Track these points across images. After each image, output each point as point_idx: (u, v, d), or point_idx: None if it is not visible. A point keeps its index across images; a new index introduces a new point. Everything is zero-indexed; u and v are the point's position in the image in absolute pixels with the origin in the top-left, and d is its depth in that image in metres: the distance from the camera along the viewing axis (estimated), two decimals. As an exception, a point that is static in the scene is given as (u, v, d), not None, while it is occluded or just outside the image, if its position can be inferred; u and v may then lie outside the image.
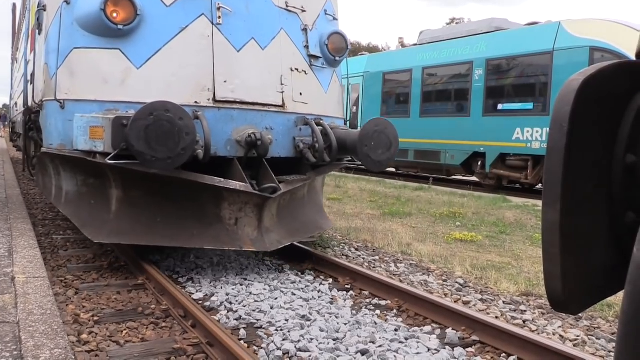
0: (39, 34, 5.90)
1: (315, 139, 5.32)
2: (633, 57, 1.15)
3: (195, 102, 4.90)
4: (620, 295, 1.11)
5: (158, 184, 4.90)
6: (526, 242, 7.81)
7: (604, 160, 1.00)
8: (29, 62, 7.20)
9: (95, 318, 4.01)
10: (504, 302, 4.89)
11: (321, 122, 5.45)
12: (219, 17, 5.09)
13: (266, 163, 5.17)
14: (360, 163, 5.65)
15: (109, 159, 4.38)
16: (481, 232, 8.39)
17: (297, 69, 5.66)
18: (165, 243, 5.00)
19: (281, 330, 3.94)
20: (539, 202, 11.45)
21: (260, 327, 4.00)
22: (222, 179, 4.82)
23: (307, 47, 5.82)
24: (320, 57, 5.97)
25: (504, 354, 3.72)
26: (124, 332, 3.81)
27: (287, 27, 5.62)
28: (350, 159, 5.93)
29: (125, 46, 4.83)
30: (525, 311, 4.66)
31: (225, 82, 5.04)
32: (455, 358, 3.61)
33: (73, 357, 2.88)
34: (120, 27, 4.77)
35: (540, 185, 14.08)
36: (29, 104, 6.80)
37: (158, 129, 4.18)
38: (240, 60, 5.18)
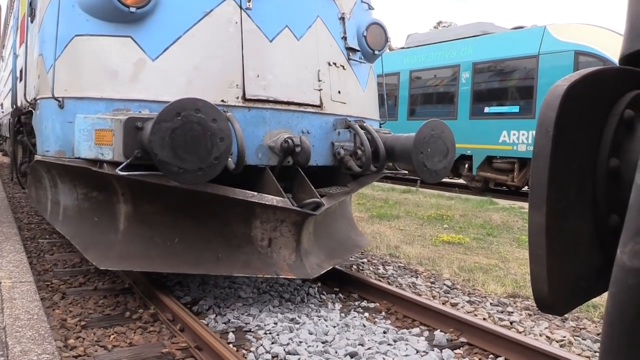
0: (32, 21, 5.09)
1: (360, 145, 4.64)
2: (616, 61, 1.17)
3: (222, 100, 4.12)
4: (605, 296, 1.14)
5: (174, 198, 4.16)
6: (513, 244, 7.87)
7: (588, 164, 1.02)
8: (18, 56, 6.44)
9: (82, 323, 3.97)
10: (491, 303, 4.93)
11: (365, 125, 4.75)
12: (249, 1, 4.36)
13: (302, 173, 4.46)
14: (405, 172, 5.17)
15: (120, 170, 3.61)
16: (468, 234, 8.45)
17: (334, 64, 4.90)
18: (186, 270, 4.22)
19: (270, 333, 3.94)
20: (525, 205, 11.56)
21: (249, 331, 3.99)
22: (256, 193, 4.09)
23: (344, 38, 5.10)
24: (358, 51, 5.26)
25: (491, 355, 3.76)
26: (112, 336, 3.79)
27: (323, 15, 4.88)
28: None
29: (138, 33, 4.09)
30: (512, 312, 4.70)
31: (257, 77, 4.28)
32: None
33: (60, 363, 2.86)
34: (132, 10, 4.03)
35: (526, 187, 14.22)
36: (19, 103, 6.04)
37: (187, 133, 3.43)
38: (273, 51, 4.43)
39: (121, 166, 3.62)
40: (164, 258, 4.18)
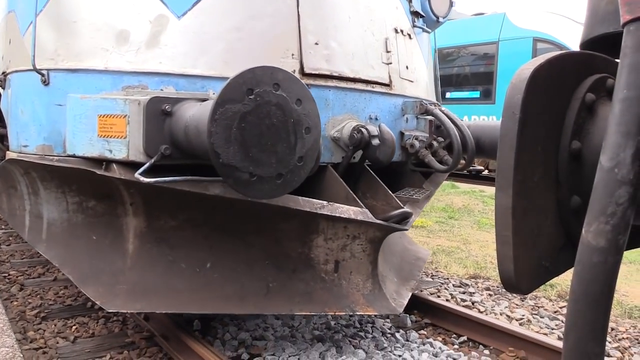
0: None
1: (436, 136, 3.75)
2: (572, 48, 1.20)
3: None
4: (563, 275, 1.17)
5: (205, 208, 3.08)
6: (474, 226, 8.06)
7: (552, 147, 1.05)
8: None
9: (42, 314, 3.88)
10: (453, 284, 5.05)
11: (445, 110, 3.79)
12: None
13: (372, 172, 3.50)
14: (480, 169, 4.28)
15: (142, 174, 2.48)
16: (431, 217, 8.60)
17: (401, 31, 3.88)
18: (229, 308, 3.11)
19: (236, 319, 3.93)
20: (486, 188, 11.84)
21: (215, 318, 3.97)
22: (326, 203, 3.05)
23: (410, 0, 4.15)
24: (423, 16, 4.32)
25: (454, 335, 3.85)
26: (73, 327, 3.71)
27: None
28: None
29: None
30: (474, 293, 4.83)
31: (316, 44, 3.26)
32: (408, 341, 3.71)
33: (21, 356, 2.78)
34: None
35: (486, 171, 14.55)
36: None
37: (262, 122, 2.36)
38: (335, 10, 3.41)
39: (142, 168, 2.53)
40: (195, 292, 3.07)
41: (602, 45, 1.19)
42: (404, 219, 3.27)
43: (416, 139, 3.64)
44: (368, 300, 3.30)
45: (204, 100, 2.61)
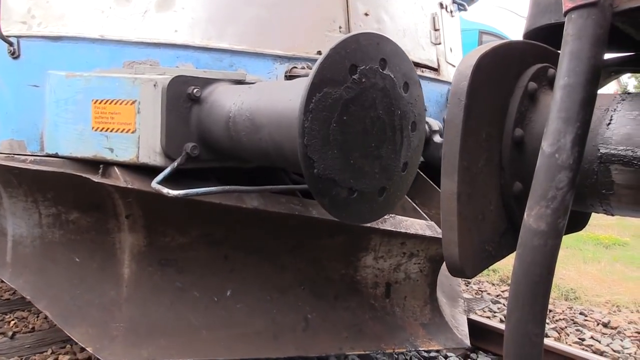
0: None
1: None
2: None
3: (319, 52, 2.50)
4: (505, 260, 1.21)
5: (225, 221, 2.37)
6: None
7: (496, 134, 1.07)
8: None
9: (-22, 310, 3.70)
10: (402, 271, 5.15)
11: None
12: None
13: (425, 176, 2.94)
14: None
15: (160, 184, 1.86)
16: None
17: (445, 6, 3.40)
18: (262, 352, 2.43)
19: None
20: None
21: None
22: (386, 215, 2.34)
23: None
24: None
25: (402, 321, 3.93)
26: (12, 322, 3.56)
27: None
28: None
29: None
30: (421, 279, 4.94)
31: (366, 15, 2.70)
32: (357, 327, 3.75)
33: (-47, 353, 2.65)
34: None
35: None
36: None
37: (366, 114, 1.67)
38: None
39: (162, 175, 1.88)
40: (215, 328, 2.39)
41: (545, 36, 1.22)
42: None
43: None
44: (429, 332, 2.76)
45: (240, 82, 2.03)
